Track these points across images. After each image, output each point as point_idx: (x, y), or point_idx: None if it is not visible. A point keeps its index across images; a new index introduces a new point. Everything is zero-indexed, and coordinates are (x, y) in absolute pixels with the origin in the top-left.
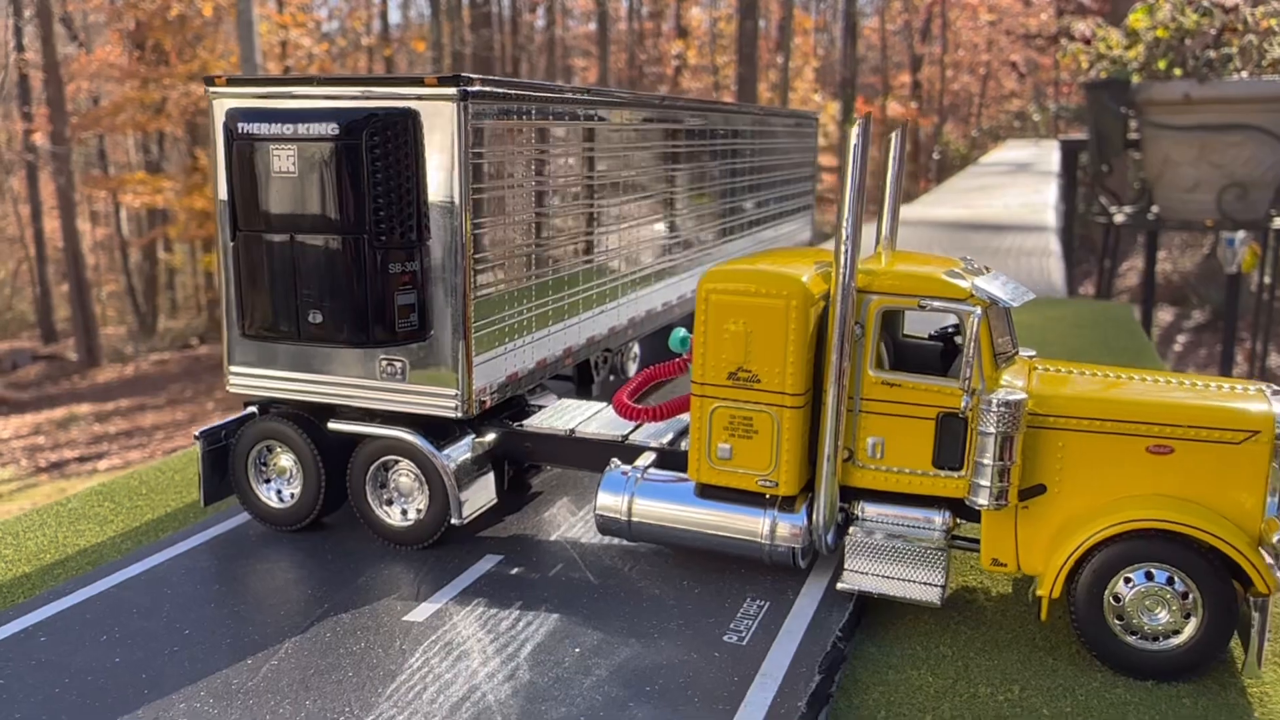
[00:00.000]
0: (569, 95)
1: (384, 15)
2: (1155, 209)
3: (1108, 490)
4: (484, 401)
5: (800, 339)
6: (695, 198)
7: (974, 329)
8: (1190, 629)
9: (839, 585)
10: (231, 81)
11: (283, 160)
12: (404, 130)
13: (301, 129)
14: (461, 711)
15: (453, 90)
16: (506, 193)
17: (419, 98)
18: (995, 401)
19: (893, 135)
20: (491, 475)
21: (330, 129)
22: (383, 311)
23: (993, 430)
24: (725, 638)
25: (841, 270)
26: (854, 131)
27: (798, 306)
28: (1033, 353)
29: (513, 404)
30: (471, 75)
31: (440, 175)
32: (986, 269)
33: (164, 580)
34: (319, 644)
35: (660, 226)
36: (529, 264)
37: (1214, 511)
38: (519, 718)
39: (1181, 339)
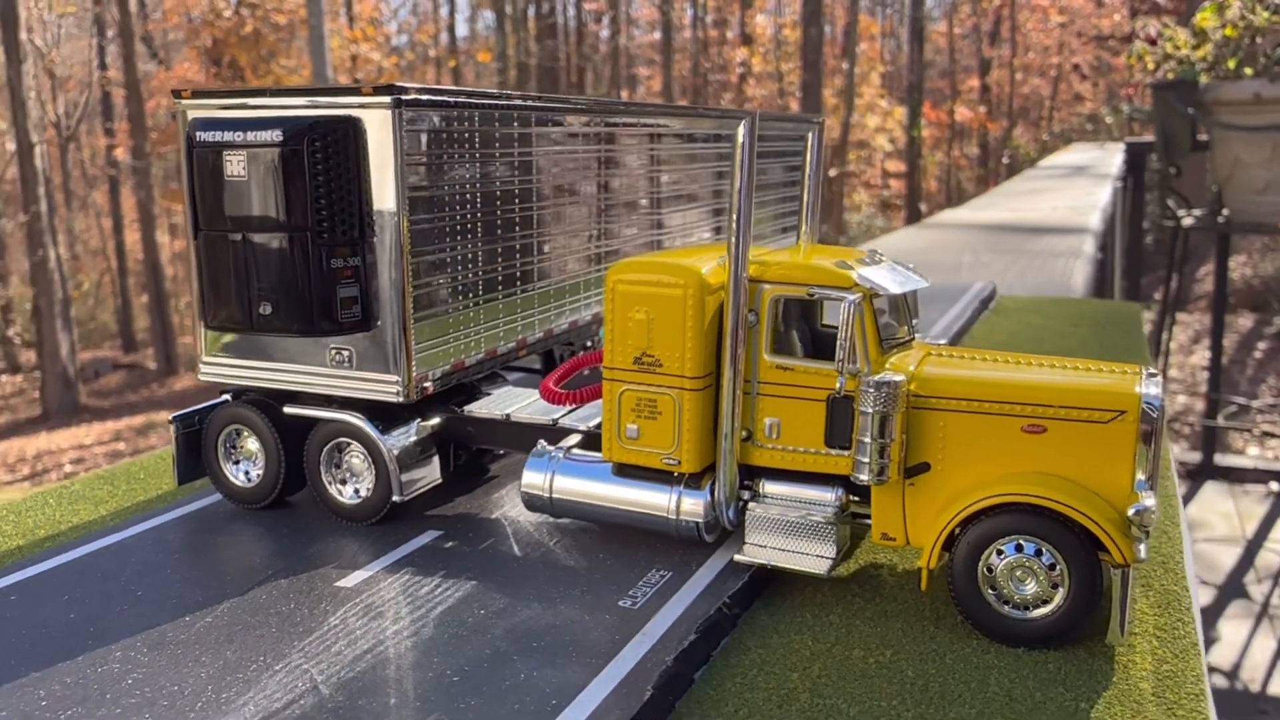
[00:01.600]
0: (505, 102)
1: (451, 29)
2: (1225, 211)
3: (986, 468)
4: (426, 388)
5: (698, 326)
6: (649, 200)
7: (848, 315)
8: (1058, 599)
9: (736, 558)
10: (196, 94)
11: (235, 165)
12: (344, 136)
13: (250, 136)
14: (361, 661)
15: (387, 99)
16: (445, 194)
17: (360, 106)
18: (872, 383)
19: (809, 135)
20: (435, 457)
21: (275, 136)
22: (326, 303)
23: (871, 410)
24: (620, 602)
25: (733, 262)
26: (741, 131)
27: (694, 295)
28: (943, 340)
29: (464, 390)
30: (407, 85)
31: (380, 177)
32: (882, 259)
33: (131, 550)
34: (252, 604)
35: (614, 228)
36: (471, 262)
37: (1084, 487)
38: (409, 667)
39: (1262, 345)
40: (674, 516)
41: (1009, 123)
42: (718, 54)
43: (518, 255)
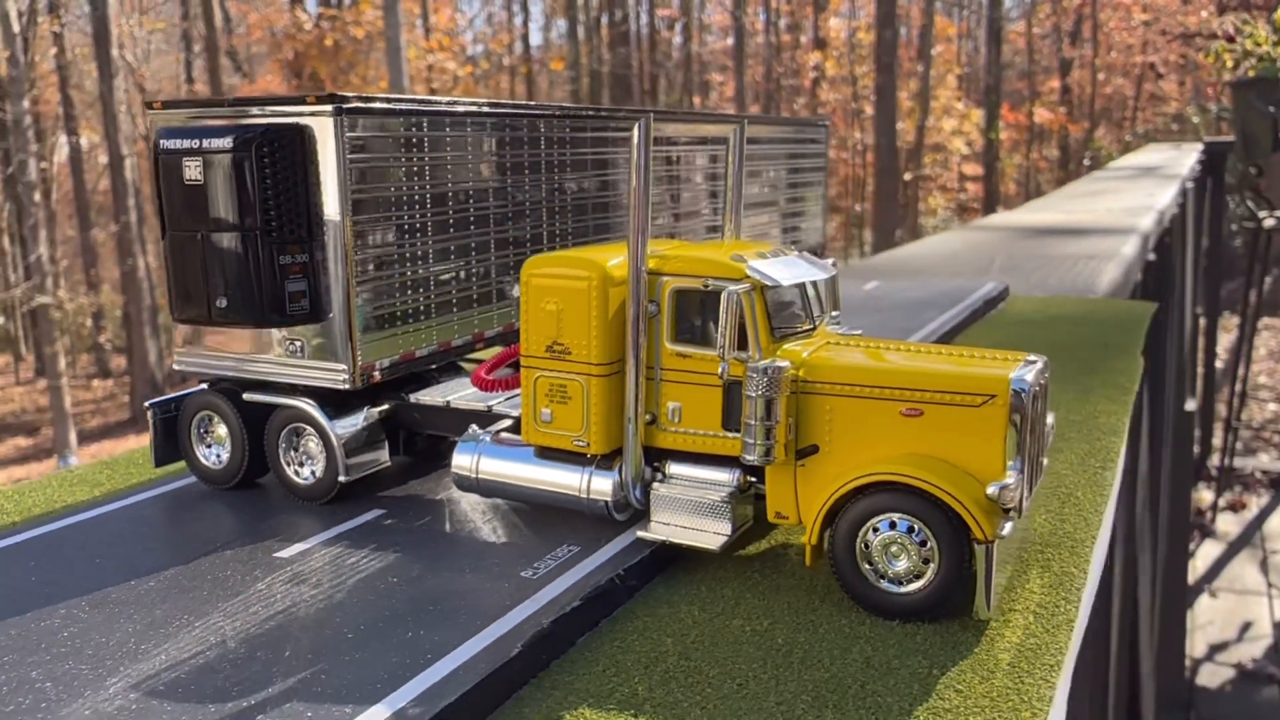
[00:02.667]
0: (446, 108)
1: (525, 38)
2: None
3: (869, 450)
4: (373, 376)
5: (602, 315)
6: (605, 202)
7: (728, 304)
8: (930, 574)
9: (639, 534)
10: (165, 105)
11: (193, 170)
12: (291, 142)
13: (206, 143)
14: (271, 621)
15: (329, 107)
16: (391, 196)
17: (308, 114)
18: (757, 369)
19: (731, 133)
20: (384, 441)
21: (227, 143)
22: (276, 297)
23: (755, 394)
24: (523, 573)
25: (633, 256)
26: (635, 130)
27: (598, 287)
28: (859, 331)
29: (419, 379)
30: (348, 94)
31: (325, 180)
32: (786, 253)
33: (104, 524)
34: (194, 571)
35: (567, 229)
36: (420, 260)
37: (957, 467)
38: (311, 625)
39: None
40: (585, 496)
41: (1090, 124)
42: (790, 59)
43: (472, 253)
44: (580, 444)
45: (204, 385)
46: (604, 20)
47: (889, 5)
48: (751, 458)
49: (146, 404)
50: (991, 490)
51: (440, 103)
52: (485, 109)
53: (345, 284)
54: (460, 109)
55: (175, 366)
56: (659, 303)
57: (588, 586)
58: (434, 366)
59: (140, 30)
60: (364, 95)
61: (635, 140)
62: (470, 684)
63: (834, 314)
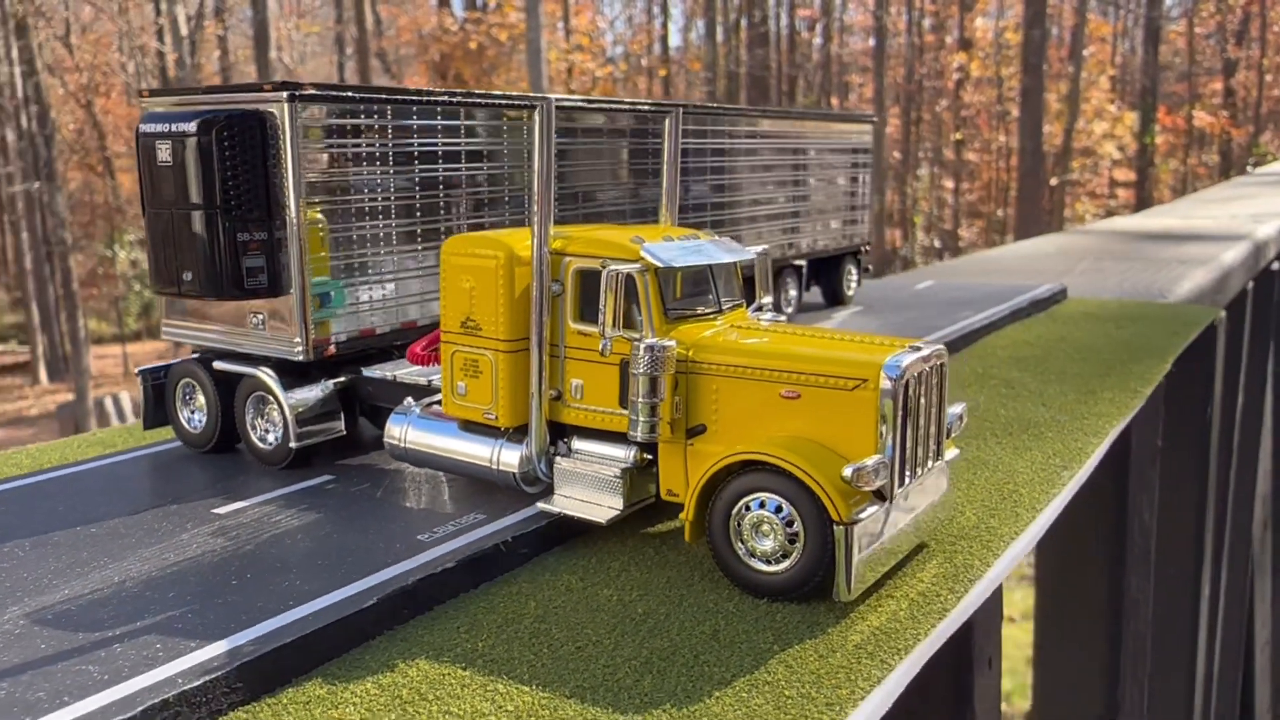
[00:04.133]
0: (401, 96)
1: (664, 39)
2: None
3: (752, 430)
4: (328, 350)
5: (509, 293)
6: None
7: (608, 282)
8: (796, 554)
9: (539, 505)
10: (152, 93)
11: (164, 153)
12: (250, 128)
13: (174, 128)
14: (175, 567)
15: (283, 94)
16: (348, 180)
17: (268, 101)
18: (642, 347)
19: (667, 119)
20: (339, 412)
21: (191, 127)
22: (234, 272)
23: (639, 372)
24: (420, 536)
25: (537, 237)
26: (536, 116)
27: (505, 266)
28: (782, 317)
29: (385, 355)
30: (303, 83)
31: (281, 164)
32: (694, 238)
33: (83, 478)
34: (135, 521)
35: (523, 216)
36: (378, 241)
37: (831, 450)
38: (207, 570)
39: None
40: (496, 467)
41: (1255, 128)
42: (934, 60)
43: (441, 236)
44: (490, 417)
45: (195, 355)
46: (743, 22)
47: (1039, 4)
48: (635, 434)
49: (137, 370)
50: (847, 472)
51: (396, 90)
52: (440, 97)
53: (299, 263)
54: (415, 97)
55: (162, 337)
56: (563, 282)
57: (468, 551)
58: (400, 344)
59: (297, 33)
60: (321, 84)
61: (537, 127)
62: (311, 629)
63: (766, 300)
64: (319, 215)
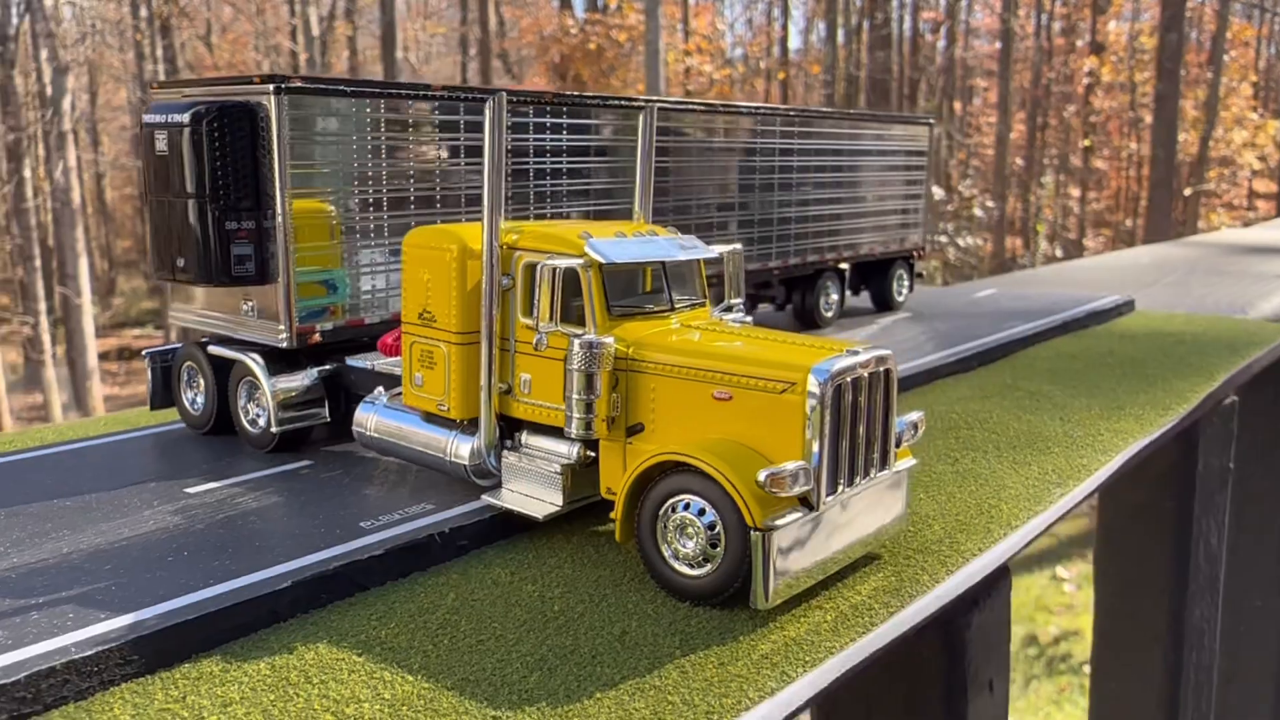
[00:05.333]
0: (389, 90)
1: (783, 41)
2: None
3: (686, 431)
4: (313, 338)
5: (462, 286)
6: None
7: (541, 277)
8: (717, 558)
9: (483, 497)
10: (161, 85)
11: (161, 142)
12: (239, 119)
13: (169, 118)
14: (124, 541)
15: (270, 86)
16: (337, 171)
17: (258, 94)
18: (579, 343)
19: (640, 116)
20: (325, 399)
21: (184, 118)
22: (222, 259)
23: (574, 367)
24: (363, 523)
25: (487, 231)
26: (487, 109)
27: (458, 258)
28: (748, 318)
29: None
30: (290, 75)
31: (270, 154)
32: (650, 235)
33: (86, 453)
34: (109, 497)
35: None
36: (370, 233)
37: (760, 454)
38: (150, 546)
39: None
40: (449, 459)
41: None
42: (1063, 63)
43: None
44: (443, 408)
45: (206, 339)
46: (865, 24)
47: (1176, 7)
48: (570, 430)
49: (144, 352)
50: (760, 477)
51: (384, 84)
52: (429, 93)
53: (284, 252)
54: (404, 91)
55: (170, 321)
56: (513, 276)
57: (401, 540)
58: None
59: (423, 34)
60: (309, 76)
61: (488, 118)
62: (215, 608)
63: (736, 300)
64: (329, 206)
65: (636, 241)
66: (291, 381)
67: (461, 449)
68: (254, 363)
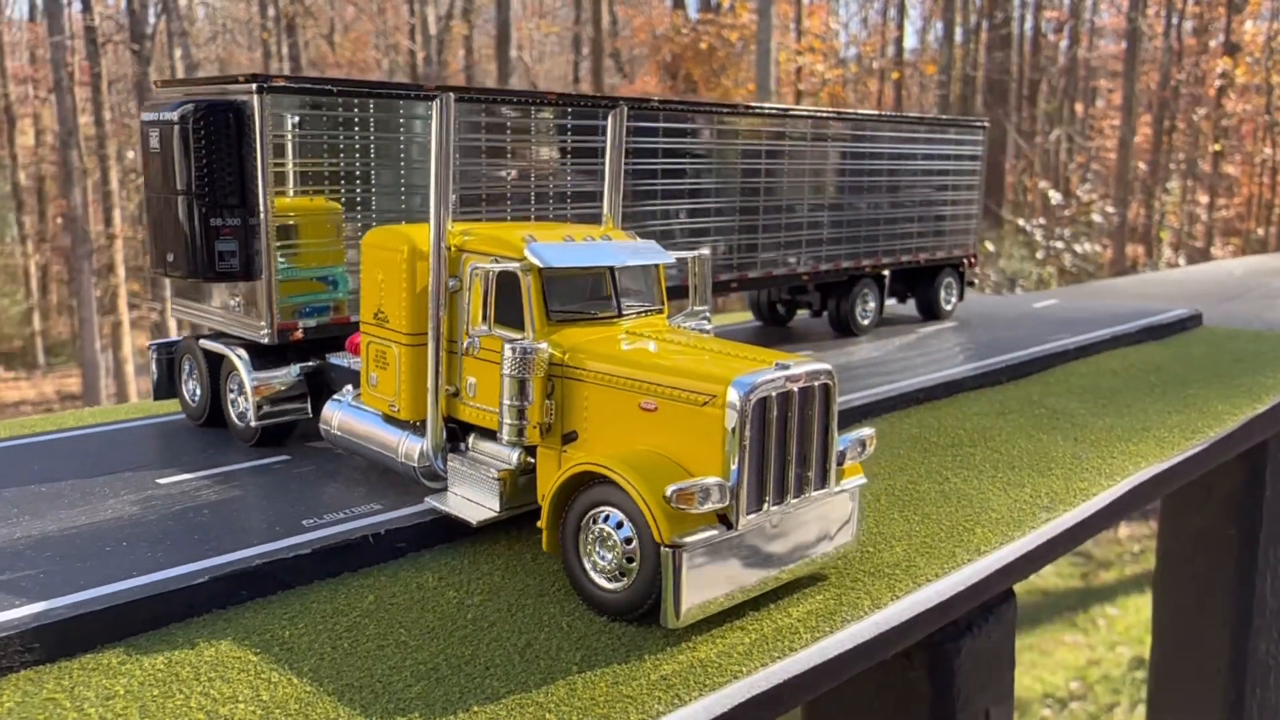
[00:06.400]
0: (372, 89)
1: (899, 41)
2: None
3: (615, 441)
4: (295, 335)
5: (412, 286)
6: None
7: (472, 279)
8: (633, 573)
9: (426, 499)
10: (163, 84)
11: (154, 140)
12: (224, 117)
13: (161, 116)
14: (75, 528)
15: (253, 85)
16: (322, 169)
17: (243, 92)
18: (512, 348)
19: (610, 116)
20: (307, 395)
21: (173, 116)
22: (207, 254)
23: (507, 373)
24: (304, 521)
25: (434, 232)
26: (435, 107)
27: (408, 258)
28: (707, 326)
29: None
30: (274, 74)
31: (253, 153)
32: (620, 237)
33: (83, 440)
34: (83, 484)
35: (497, 209)
36: (345, 230)
37: (682, 468)
38: (100, 537)
39: None
40: (400, 460)
41: None
42: (1194, 64)
43: None
44: (394, 409)
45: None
46: (984, 23)
47: None
48: (503, 436)
49: (149, 344)
50: (667, 491)
51: (368, 83)
52: (413, 92)
53: (266, 249)
54: (391, 91)
55: (171, 314)
56: (461, 279)
57: (332, 539)
58: None
59: (538, 33)
60: (293, 76)
61: (435, 121)
62: (127, 600)
63: (701, 308)
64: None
65: (584, 246)
66: (273, 377)
67: (412, 450)
68: (237, 357)
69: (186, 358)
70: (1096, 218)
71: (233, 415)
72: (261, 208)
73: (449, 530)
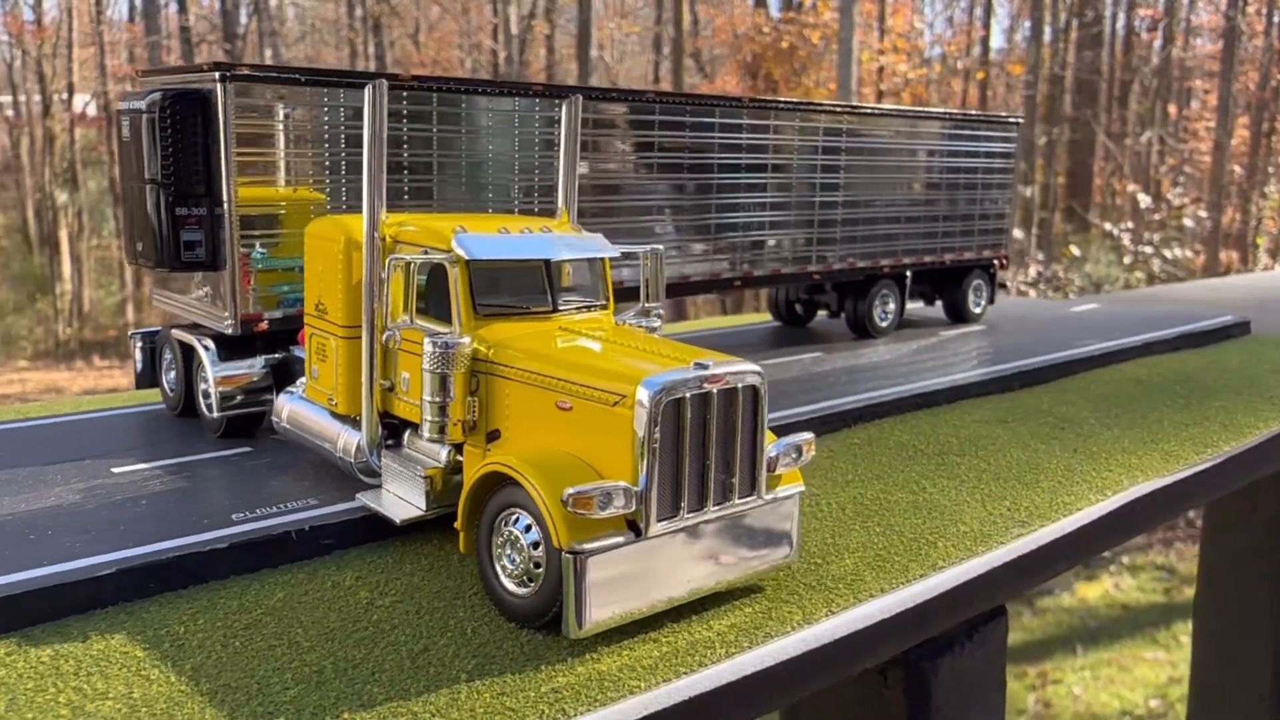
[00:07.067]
0: (335, 78)
1: (985, 40)
2: None
3: (535, 440)
4: (260, 325)
5: (348, 278)
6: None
7: (391, 271)
8: (540, 578)
9: (357, 496)
10: (141, 74)
11: (125, 129)
12: (190, 107)
13: (131, 105)
14: (17, 514)
15: (217, 74)
16: (287, 159)
17: (208, 81)
18: (428, 342)
19: (563, 105)
20: (271, 387)
21: (142, 105)
22: (173, 244)
23: (428, 368)
24: (234, 515)
25: (367, 222)
26: (366, 95)
27: (344, 249)
28: (655, 323)
29: None
30: (238, 63)
31: (218, 142)
32: (562, 229)
33: (62, 426)
34: (40, 472)
35: (457, 200)
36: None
37: (594, 471)
38: (32, 524)
39: None
40: (338, 454)
41: None
42: None
43: None
44: (332, 402)
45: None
46: (1074, 22)
47: None
48: (424, 434)
49: (131, 333)
50: (565, 494)
51: (336, 72)
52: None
53: (230, 239)
54: (359, 81)
55: (153, 304)
56: (412, 271)
57: (252, 535)
58: None
59: (619, 33)
60: (259, 65)
61: (367, 106)
62: (23, 590)
63: (654, 305)
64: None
65: (517, 238)
66: (237, 368)
67: (350, 445)
68: (204, 348)
69: (166, 347)
70: (1188, 222)
71: (203, 405)
72: (226, 197)
73: (380, 528)
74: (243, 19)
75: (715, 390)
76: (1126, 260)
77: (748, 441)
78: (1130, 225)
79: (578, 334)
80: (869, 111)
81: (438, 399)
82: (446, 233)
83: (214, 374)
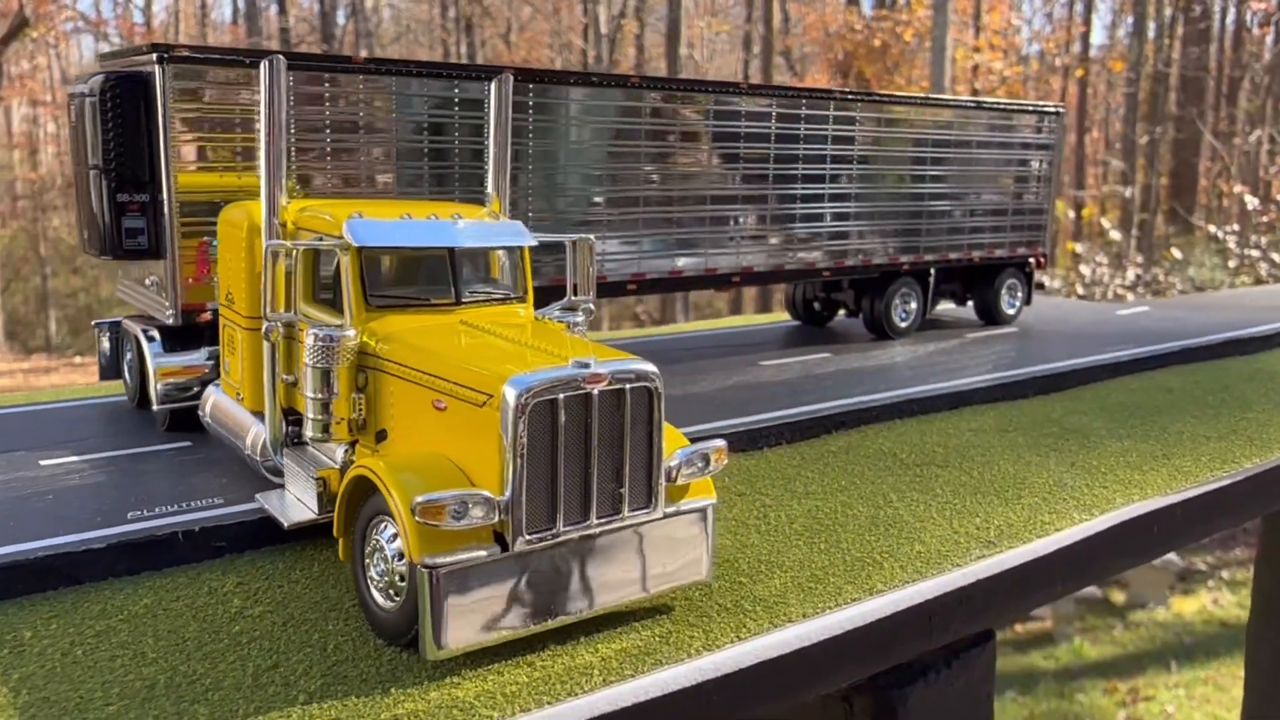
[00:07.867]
0: (293, 60)
1: (1085, 36)
2: None
3: (416, 442)
4: (202, 315)
5: (251, 265)
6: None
7: (266, 258)
8: (404, 592)
9: (255, 497)
10: (100, 58)
11: (74, 113)
12: (132, 89)
13: (78, 88)
14: None
15: (154, 56)
16: (233, 145)
17: (151, 64)
18: (309, 334)
19: (492, 85)
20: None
21: (85, 89)
22: (114, 231)
23: (309, 362)
24: (131, 513)
25: (265, 208)
26: (262, 72)
27: (246, 235)
28: (578, 318)
29: None
30: (178, 44)
31: (159, 126)
32: (475, 216)
33: (34, 414)
34: None
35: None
36: None
37: (467, 475)
38: None
39: None
40: (246, 451)
41: None
42: None
43: None
44: (239, 397)
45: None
46: (1180, 17)
47: None
48: (307, 433)
49: (94, 323)
50: (414, 503)
51: (291, 55)
52: (328, 64)
53: (171, 227)
54: (311, 63)
55: (117, 294)
56: (295, 259)
57: (133, 535)
58: None
59: (709, 31)
60: (197, 46)
61: (264, 86)
62: None
63: (583, 299)
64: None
65: (418, 225)
66: (176, 360)
67: (258, 442)
68: (146, 339)
69: (126, 339)
70: None
71: (152, 395)
72: (166, 184)
73: (279, 533)
74: (340, 20)
75: (596, 391)
76: (1231, 264)
77: (641, 448)
78: (1236, 228)
79: (477, 328)
80: (881, 99)
81: (320, 395)
82: (340, 218)
83: (155, 365)
